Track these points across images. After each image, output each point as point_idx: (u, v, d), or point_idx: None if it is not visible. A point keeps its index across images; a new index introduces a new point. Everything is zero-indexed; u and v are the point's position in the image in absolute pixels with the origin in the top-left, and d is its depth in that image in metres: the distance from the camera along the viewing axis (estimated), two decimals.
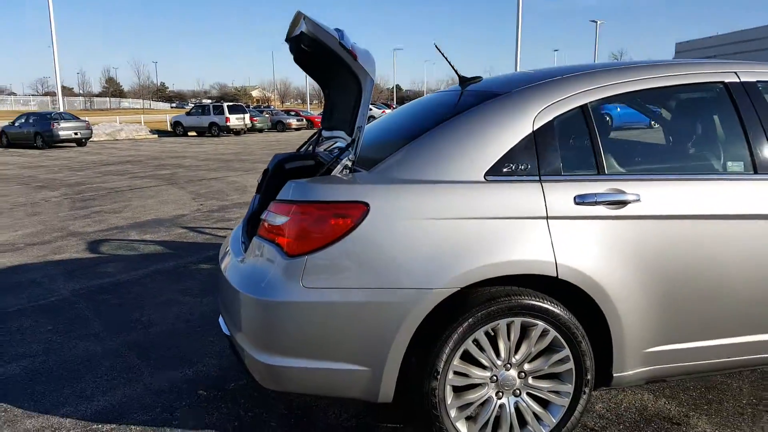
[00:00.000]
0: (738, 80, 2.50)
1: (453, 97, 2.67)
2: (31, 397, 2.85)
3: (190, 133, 29.97)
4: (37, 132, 22.35)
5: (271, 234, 2.17)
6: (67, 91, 78.67)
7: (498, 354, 2.20)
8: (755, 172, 2.40)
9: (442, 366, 2.11)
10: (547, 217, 2.15)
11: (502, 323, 2.15)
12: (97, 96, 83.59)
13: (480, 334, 2.14)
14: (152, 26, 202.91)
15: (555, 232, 2.14)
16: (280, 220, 2.13)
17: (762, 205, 2.34)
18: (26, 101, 65.90)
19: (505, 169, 2.19)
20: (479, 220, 2.10)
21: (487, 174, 2.17)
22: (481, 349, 2.16)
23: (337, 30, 2.36)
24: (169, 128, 31.56)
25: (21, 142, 22.96)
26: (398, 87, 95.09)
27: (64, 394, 2.88)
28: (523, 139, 2.23)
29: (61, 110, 28.31)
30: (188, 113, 31.31)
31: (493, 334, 2.18)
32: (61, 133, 22.20)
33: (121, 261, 5.46)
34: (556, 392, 2.27)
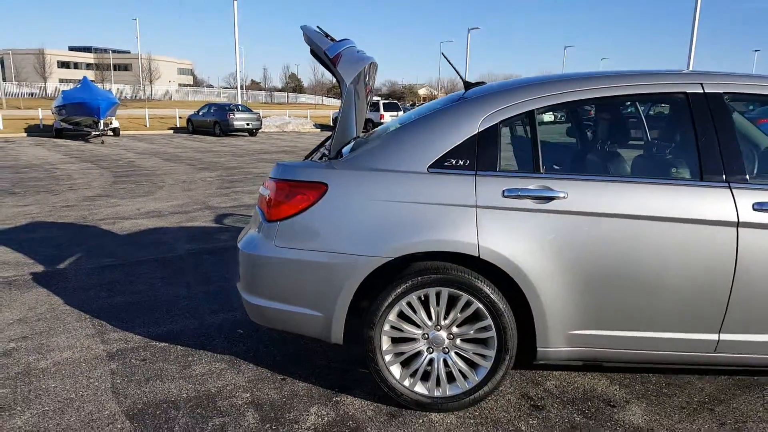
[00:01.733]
0: (702, 91, 2.62)
1: (446, 100, 3.11)
2: (121, 319, 3.86)
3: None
4: (216, 121, 25.65)
5: (261, 204, 2.84)
6: (255, 85, 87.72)
7: (429, 316, 2.65)
8: (701, 179, 2.54)
9: (377, 319, 2.62)
10: (475, 206, 2.54)
11: (431, 291, 2.60)
12: (278, 90, 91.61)
13: (412, 298, 2.61)
14: (330, 24, 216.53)
15: (481, 219, 2.53)
16: (265, 192, 2.79)
17: (701, 210, 2.49)
18: (219, 93, 74.43)
19: (446, 164, 2.62)
20: (416, 204, 2.56)
21: (430, 167, 2.62)
22: (414, 310, 2.63)
23: (342, 40, 2.95)
24: (331, 123, 34.13)
25: (203, 129, 26.52)
26: None
27: (142, 320, 3.86)
28: (467, 139, 2.63)
29: (239, 103, 32.04)
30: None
31: (424, 299, 2.63)
32: (235, 123, 25.17)
33: (235, 231, 6.57)
34: (481, 355, 2.65)
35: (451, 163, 2.62)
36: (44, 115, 25.11)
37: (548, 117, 2.82)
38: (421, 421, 2.65)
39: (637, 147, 3.04)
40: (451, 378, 2.69)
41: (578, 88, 2.67)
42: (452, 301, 2.62)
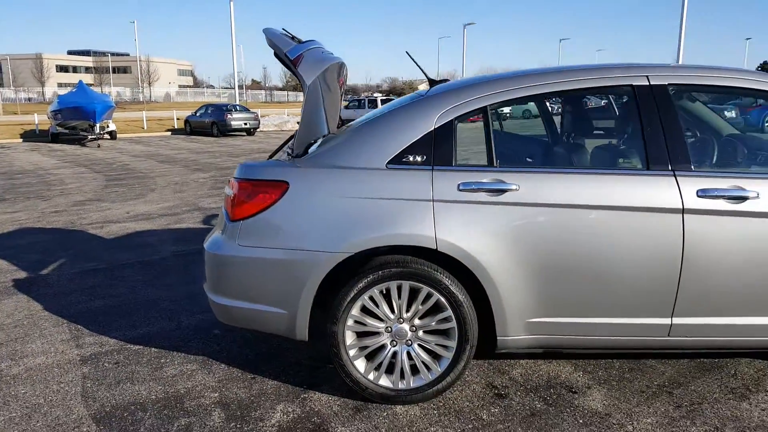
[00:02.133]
0: (647, 83, 2.64)
1: (408, 98, 3.12)
2: (98, 323, 3.89)
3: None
4: (213, 121, 25.67)
5: (226, 204, 2.85)
6: (255, 85, 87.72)
7: (392, 310, 2.66)
8: (648, 169, 2.56)
9: (340, 314, 2.64)
10: (432, 200, 2.55)
11: (393, 285, 2.62)
12: (278, 90, 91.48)
13: (374, 292, 2.63)
14: (329, 23, 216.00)
15: (438, 212, 2.55)
16: (229, 192, 2.80)
17: (648, 198, 2.51)
18: (220, 93, 74.44)
19: (404, 159, 2.63)
20: (375, 200, 2.58)
21: (389, 163, 2.63)
22: (376, 304, 2.65)
23: (307, 41, 2.96)
24: None
25: (201, 130, 26.55)
26: None
27: (119, 323, 3.89)
28: (424, 136, 2.65)
29: (237, 103, 32.06)
30: (347, 107, 33.59)
31: (386, 293, 2.65)
32: (232, 123, 25.20)
33: None
34: (443, 346, 2.67)
35: (409, 159, 2.63)
36: (40, 120, 25.16)
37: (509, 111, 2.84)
38: (385, 414, 2.67)
39: (587, 139, 3.06)
40: (415, 370, 2.71)
41: (529, 84, 2.69)
42: (413, 294, 2.64)
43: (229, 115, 25.24)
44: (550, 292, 2.59)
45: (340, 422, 2.61)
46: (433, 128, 2.64)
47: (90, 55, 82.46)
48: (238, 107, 26.73)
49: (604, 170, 2.58)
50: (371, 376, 2.71)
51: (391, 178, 2.59)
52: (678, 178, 2.53)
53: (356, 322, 2.67)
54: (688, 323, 2.63)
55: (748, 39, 75.36)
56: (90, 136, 20.46)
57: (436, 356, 2.71)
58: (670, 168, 2.55)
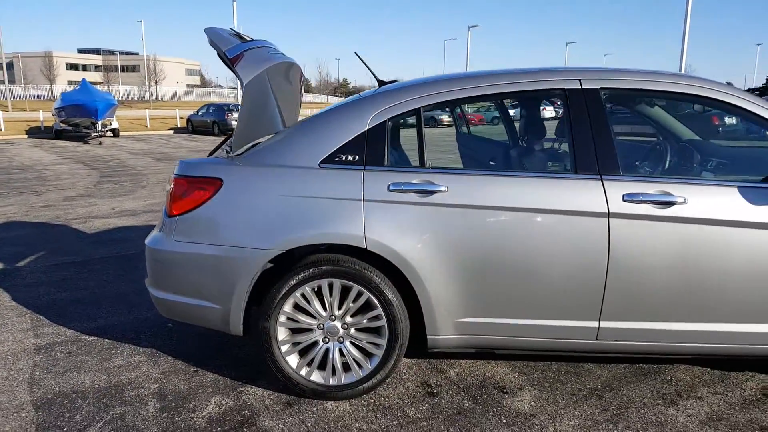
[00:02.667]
0: (579, 87, 2.67)
1: (350, 99, 3.17)
2: (60, 315, 3.97)
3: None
4: (214, 120, 25.86)
5: (166, 200, 2.92)
6: None
7: (324, 307, 2.72)
8: (575, 173, 2.59)
9: (272, 311, 2.69)
10: (363, 200, 2.61)
11: (324, 282, 2.67)
12: None
13: (306, 290, 2.68)
14: (337, 25, 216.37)
15: (368, 212, 2.60)
16: (168, 188, 2.87)
17: (574, 202, 2.54)
18: (227, 93, 74.63)
19: (336, 159, 2.69)
20: (307, 198, 2.63)
21: (321, 162, 2.69)
22: (308, 301, 2.70)
23: (255, 41, 3.02)
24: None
25: (202, 129, 26.74)
26: None
27: (80, 315, 3.96)
28: (357, 136, 2.70)
29: (238, 102, 32.21)
30: None
31: (318, 290, 2.70)
32: (233, 122, 25.35)
33: None
34: (374, 344, 2.72)
35: (342, 158, 2.68)
36: (45, 117, 25.43)
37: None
38: (315, 409, 2.72)
39: (520, 142, 3.10)
40: (347, 367, 2.76)
41: (462, 86, 2.73)
42: (345, 292, 2.69)
43: (229, 115, 25.41)
44: (478, 293, 2.63)
45: (268, 416, 2.66)
46: (366, 129, 2.70)
47: (99, 54, 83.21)
48: (239, 107, 26.79)
49: (533, 173, 2.62)
50: (303, 372, 2.76)
51: (322, 177, 2.64)
52: (605, 182, 2.57)
53: (288, 318, 2.73)
54: (615, 327, 2.66)
55: (759, 44, 74.90)
56: (93, 134, 20.67)
57: (367, 354, 2.76)
58: (597, 172, 2.59)
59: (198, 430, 2.57)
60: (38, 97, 56.31)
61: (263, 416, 2.66)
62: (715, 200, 2.53)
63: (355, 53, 3.40)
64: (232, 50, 2.87)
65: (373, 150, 2.68)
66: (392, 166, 2.68)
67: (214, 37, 2.94)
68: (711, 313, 2.61)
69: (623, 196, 2.54)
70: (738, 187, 2.55)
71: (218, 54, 3.00)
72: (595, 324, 2.66)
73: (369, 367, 2.73)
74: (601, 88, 2.68)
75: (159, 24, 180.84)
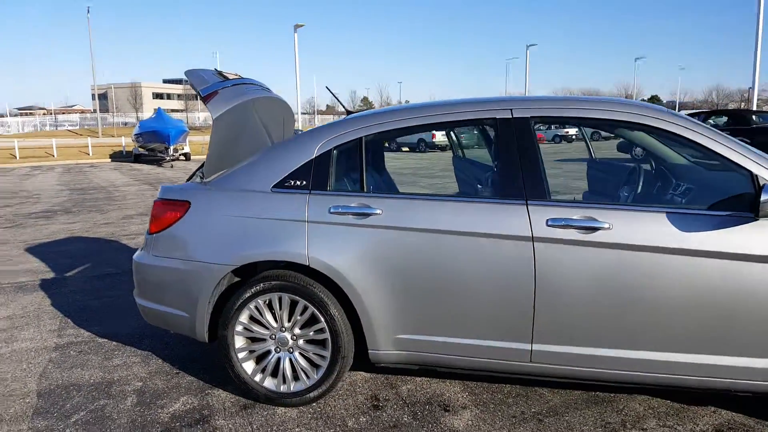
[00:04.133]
0: (510, 116, 2.84)
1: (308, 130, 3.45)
2: (85, 318, 4.48)
3: (403, 149, 32.65)
4: None
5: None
6: (330, 110, 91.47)
7: (275, 319, 2.99)
8: (502, 198, 2.74)
9: (229, 320, 2.99)
10: (306, 221, 2.88)
11: (274, 296, 2.95)
12: (350, 113, 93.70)
13: (258, 302, 2.97)
14: (399, 47, 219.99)
15: (311, 232, 2.87)
16: (151, 210, 3.26)
17: (499, 225, 2.69)
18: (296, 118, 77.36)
19: (286, 184, 2.98)
20: (259, 220, 2.94)
21: (273, 187, 2.99)
22: (261, 313, 2.99)
23: (236, 79, 3.40)
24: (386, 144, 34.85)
25: None
26: (656, 97, 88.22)
27: (101, 319, 4.46)
28: (305, 163, 2.99)
29: (299, 128, 33.44)
30: None
31: (269, 303, 2.98)
32: None
33: None
34: (320, 356, 2.96)
35: (291, 183, 2.97)
36: (127, 142, 27.55)
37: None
38: (266, 413, 2.98)
39: (453, 169, 3.25)
40: (296, 376, 3.01)
41: (400, 117, 2.96)
42: (293, 306, 2.96)
43: None
44: (413, 311, 2.81)
45: (223, 416, 2.95)
46: (313, 156, 2.98)
47: (181, 83, 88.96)
48: (298, 131, 27.85)
49: (462, 198, 2.80)
50: (257, 378, 3.04)
51: (273, 201, 2.94)
52: (529, 207, 2.70)
53: (244, 328, 3.02)
54: (548, 350, 2.75)
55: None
56: (166, 158, 22.20)
57: (314, 365, 3.00)
58: (523, 197, 2.73)
59: (160, 423, 2.89)
60: (125, 124, 61.03)
61: (218, 416, 2.95)
62: (643, 226, 2.59)
63: (326, 87, 3.70)
64: (206, 89, 3.23)
65: (319, 176, 2.95)
66: (335, 190, 2.94)
67: (192, 78, 3.33)
68: (643, 342, 2.65)
69: (547, 220, 2.66)
70: (667, 213, 2.61)
71: (197, 93, 3.38)
72: (527, 346, 2.76)
73: (315, 377, 2.97)
74: (531, 117, 2.82)
75: (234, 54, 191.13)
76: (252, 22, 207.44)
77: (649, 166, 3.49)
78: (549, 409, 2.99)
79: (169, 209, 3.11)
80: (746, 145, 2.68)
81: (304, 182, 2.96)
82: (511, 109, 2.85)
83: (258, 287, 2.94)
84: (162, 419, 2.93)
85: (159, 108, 24.45)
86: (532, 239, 2.66)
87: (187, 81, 3.41)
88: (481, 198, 2.80)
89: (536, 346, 2.75)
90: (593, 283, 2.64)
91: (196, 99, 74.50)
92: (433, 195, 2.84)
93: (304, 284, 2.89)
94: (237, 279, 3.16)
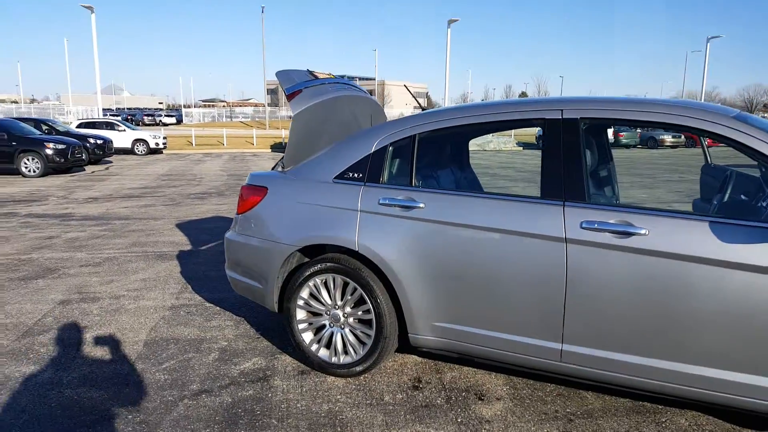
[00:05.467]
0: (560, 117, 2.84)
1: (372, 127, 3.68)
2: (202, 285, 5.19)
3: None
4: None
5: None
6: None
7: (330, 297, 3.31)
8: (541, 198, 2.77)
9: (292, 295, 3.37)
10: (359, 210, 3.15)
11: (329, 277, 3.27)
12: None
13: (316, 281, 3.31)
14: (560, 41, 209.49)
15: (361, 221, 3.13)
16: (239, 193, 3.75)
17: (535, 225, 2.73)
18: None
19: (346, 176, 3.27)
20: (319, 206, 3.27)
21: (335, 178, 3.30)
22: (318, 291, 3.32)
23: (330, 78, 3.79)
24: (534, 141, 33.79)
25: None
26: None
27: (215, 287, 5.13)
28: (363, 157, 3.25)
29: None
30: None
31: (325, 283, 3.30)
32: None
33: None
34: (366, 334, 3.22)
35: (350, 175, 3.26)
36: (285, 134, 29.97)
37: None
38: (317, 380, 3.31)
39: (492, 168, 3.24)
40: (345, 350, 3.30)
41: (451, 116, 3.08)
42: (345, 287, 3.25)
43: None
44: (449, 301, 2.95)
45: (281, 378, 3.34)
46: (371, 151, 3.22)
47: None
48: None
49: (501, 196, 2.87)
50: (313, 348, 3.38)
51: (333, 190, 3.24)
52: (566, 208, 2.70)
53: (305, 303, 3.37)
54: (577, 352, 2.73)
55: None
56: None
57: (361, 342, 3.26)
58: (562, 198, 2.73)
59: (229, 377, 3.36)
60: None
61: (277, 377, 3.34)
62: (681, 234, 2.48)
63: (405, 86, 3.91)
64: (290, 88, 3.62)
65: (374, 169, 3.19)
66: (387, 183, 3.16)
67: (281, 78, 3.74)
68: (673, 352, 2.54)
69: (581, 223, 2.64)
70: (709, 222, 2.47)
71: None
72: (558, 346, 2.77)
73: (361, 353, 3.24)
74: (580, 118, 2.80)
75: (393, 51, 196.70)
76: (407, 20, 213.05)
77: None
78: (584, 412, 2.96)
79: (252, 194, 3.56)
80: None
81: (361, 175, 3.23)
82: (561, 110, 2.85)
83: (316, 267, 3.27)
84: (232, 374, 3.39)
85: None
86: (565, 240, 2.67)
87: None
88: (521, 197, 2.85)
89: (566, 347, 2.75)
90: (625, 288, 2.58)
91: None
92: (473, 192, 2.95)
93: (354, 268, 3.16)
94: (306, 259, 3.53)
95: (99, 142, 18.91)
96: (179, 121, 62.00)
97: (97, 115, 30.03)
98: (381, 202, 3.09)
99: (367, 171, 3.22)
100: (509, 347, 2.88)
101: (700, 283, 2.45)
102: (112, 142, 20.13)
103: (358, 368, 3.25)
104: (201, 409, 2.96)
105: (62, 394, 3.10)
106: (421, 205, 2.99)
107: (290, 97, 3.60)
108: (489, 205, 2.85)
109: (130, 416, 2.89)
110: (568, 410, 2.97)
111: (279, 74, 3.74)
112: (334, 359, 3.32)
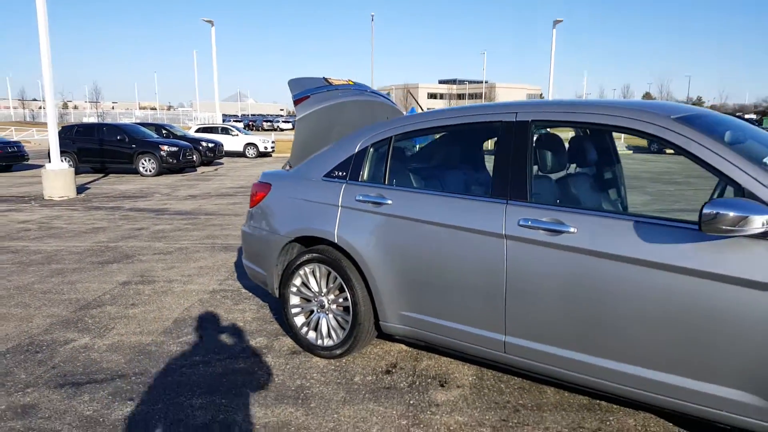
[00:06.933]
0: (514, 120, 2.95)
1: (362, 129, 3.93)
2: (244, 274, 5.73)
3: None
4: None
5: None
6: None
7: (318, 285, 3.63)
8: (490, 196, 2.90)
9: (287, 281, 3.74)
10: (339, 206, 3.45)
11: (315, 266, 3.60)
12: None
13: (306, 270, 3.65)
14: (686, 40, 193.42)
15: (341, 215, 3.43)
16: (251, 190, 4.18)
17: (480, 222, 2.88)
18: None
19: (332, 174, 3.58)
20: (309, 202, 3.61)
21: (324, 176, 3.62)
22: (307, 279, 3.66)
23: (345, 85, 4.15)
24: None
25: None
26: None
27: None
28: (347, 158, 3.55)
29: None
30: None
31: (313, 272, 3.63)
32: None
33: None
34: (345, 320, 3.51)
35: (335, 174, 3.56)
36: None
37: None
38: (303, 359, 3.65)
39: (457, 167, 3.34)
40: (329, 334, 3.61)
41: (422, 120, 3.29)
42: (329, 276, 3.56)
43: None
44: (411, 292, 3.16)
45: (274, 355, 3.71)
46: (354, 152, 3.51)
47: (455, 83, 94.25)
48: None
49: (458, 195, 3.03)
50: (303, 330, 3.72)
51: (320, 187, 3.57)
52: (508, 207, 2.81)
53: (297, 289, 3.72)
54: (519, 344, 2.83)
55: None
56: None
57: (342, 327, 3.55)
58: (506, 197, 2.84)
59: (231, 352, 3.79)
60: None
61: (270, 355, 3.73)
62: (607, 233, 2.52)
63: (409, 92, 4.14)
64: (298, 95, 3.98)
65: (355, 169, 3.47)
66: (365, 181, 3.42)
67: (292, 85, 4.11)
68: (608, 351, 2.57)
69: (519, 220, 2.75)
70: (634, 222, 2.48)
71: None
72: (501, 337, 2.89)
73: (341, 337, 3.53)
74: (531, 121, 2.89)
75: (504, 54, 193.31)
76: (510, 23, 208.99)
77: None
78: (536, 404, 3.03)
79: (260, 190, 3.98)
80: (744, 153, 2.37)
81: (344, 173, 3.52)
82: (516, 113, 2.96)
83: (305, 257, 3.61)
84: (234, 350, 3.82)
85: (412, 108, 26.73)
86: (504, 237, 2.79)
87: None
88: (472, 195, 3.00)
89: (509, 339, 2.86)
90: (557, 284, 2.66)
91: (464, 98, 78.94)
92: (433, 190, 3.14)
93: (335, 258, 3.46)
94: (305, 249, 3.88)
95: (210, 145, 20.67)
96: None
97: (219, 121, 32.66)
98: (357, 198, 3.37)
99: (350, 170, 3.50)
100: (461, 337, 3.04)
101: (622, 282, 2.47)
102: (222, 145, 21.89)
103: (338, 351, 3.54)
104: (192, 377, 3.41)
105: (89, 357, 3.70)
106: (390, 201, 3.23)
107: (297, 102, 3.97)
108: (445, 202, 3.03)
109: (133, 377, 3.40)
110: (520, 402, 3.06)
111: (291, 82, 4.13)
112: (319, 342, 3.64)
